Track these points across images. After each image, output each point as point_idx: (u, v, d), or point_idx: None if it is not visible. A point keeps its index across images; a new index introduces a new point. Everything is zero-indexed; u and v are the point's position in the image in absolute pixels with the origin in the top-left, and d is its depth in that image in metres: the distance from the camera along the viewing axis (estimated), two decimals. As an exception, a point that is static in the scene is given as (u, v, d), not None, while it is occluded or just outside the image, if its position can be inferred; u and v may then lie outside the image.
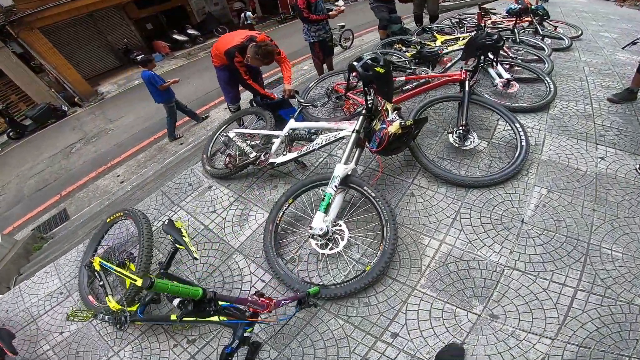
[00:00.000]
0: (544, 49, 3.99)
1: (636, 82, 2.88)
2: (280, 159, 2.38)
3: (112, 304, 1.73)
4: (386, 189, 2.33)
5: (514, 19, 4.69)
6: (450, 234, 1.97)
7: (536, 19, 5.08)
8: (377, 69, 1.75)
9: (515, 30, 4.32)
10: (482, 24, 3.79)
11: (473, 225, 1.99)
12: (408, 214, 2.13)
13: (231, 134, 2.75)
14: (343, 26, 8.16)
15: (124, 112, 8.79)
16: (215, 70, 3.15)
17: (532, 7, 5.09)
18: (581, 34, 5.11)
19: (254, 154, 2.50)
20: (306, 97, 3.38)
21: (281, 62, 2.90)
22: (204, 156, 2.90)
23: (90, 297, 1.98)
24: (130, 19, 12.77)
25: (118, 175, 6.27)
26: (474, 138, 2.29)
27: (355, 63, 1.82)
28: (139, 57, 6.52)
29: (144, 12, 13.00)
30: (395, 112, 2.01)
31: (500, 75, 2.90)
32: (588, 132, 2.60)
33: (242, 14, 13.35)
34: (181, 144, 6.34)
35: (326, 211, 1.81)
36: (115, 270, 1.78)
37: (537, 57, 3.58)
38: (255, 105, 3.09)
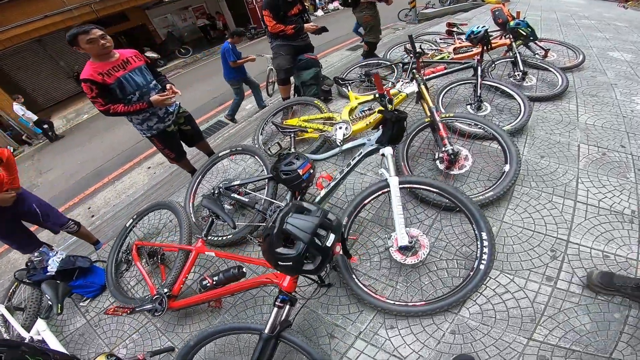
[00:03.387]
0: (520, 105, 2.56)
1: None
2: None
3: None
4: None
5: (479, 48, 3.19)
6: None
7: (517, 42, 3.59)
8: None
9: (479, 69, 2.79)
10: (385, 94, 1.76)
11: None
12: None
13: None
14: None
15: (55, 162, 7.84)
16: None
17: (512, 23, 3.52)
18: (583, 59, 3.59)
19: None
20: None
21: None
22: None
23: None
24: (85, 43, 11.73)
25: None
26: None
27: None
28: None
29: (99, 34, 11.94)
30: None
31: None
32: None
33: None
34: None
35: None
36: None
37: (494, 137, 2.13)
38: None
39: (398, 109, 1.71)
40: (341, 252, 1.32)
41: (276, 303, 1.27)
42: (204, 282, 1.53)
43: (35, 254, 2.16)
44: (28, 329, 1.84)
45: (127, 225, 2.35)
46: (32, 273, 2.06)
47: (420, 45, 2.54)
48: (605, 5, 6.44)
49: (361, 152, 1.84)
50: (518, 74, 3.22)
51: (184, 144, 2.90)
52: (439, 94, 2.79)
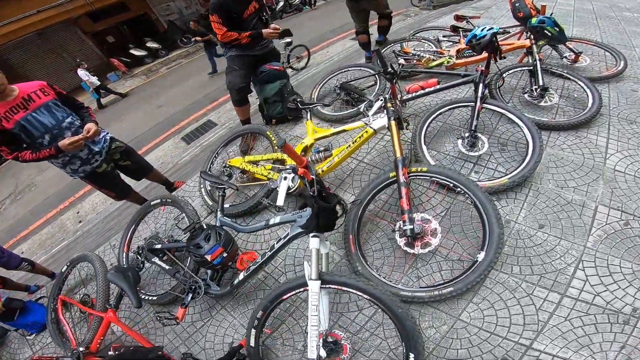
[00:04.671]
0: (529, 143, 1.94)
1: None
2: None
3: None
4: None
5: (485, 56, 2.47)
6: None
7: (541, 43, 2.87)
8: None
9: (481, 86, 2.12)
10: (304, 175, 1.24)
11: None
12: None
13: None
14: (290, 43, 6.09)
15: (52, 160, 7.79)
16: None
17: (534, 21, 2.77)
18: (624, 67, 2.82)
19: None
20: None
21: None
22: None
23: None
24: (86, 33, 11.53)
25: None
26: None
27: None
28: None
29: (101, 24, 11.69)
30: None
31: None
32: None
33: None
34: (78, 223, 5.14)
35: None
36: None
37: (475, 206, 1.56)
38: None
39: (326, 192, 1.19)
40: None
41: None
42: (109, 353, 1.51)
43: None
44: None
45: (63, 270, 2.26)
46: None
47: (392, 64, 1.87)
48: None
49: (288, 234, 1.36)
50: (536, 89, 2.53)
51: (131, 178, 2.60)
52: (422, 124, 2.19)
